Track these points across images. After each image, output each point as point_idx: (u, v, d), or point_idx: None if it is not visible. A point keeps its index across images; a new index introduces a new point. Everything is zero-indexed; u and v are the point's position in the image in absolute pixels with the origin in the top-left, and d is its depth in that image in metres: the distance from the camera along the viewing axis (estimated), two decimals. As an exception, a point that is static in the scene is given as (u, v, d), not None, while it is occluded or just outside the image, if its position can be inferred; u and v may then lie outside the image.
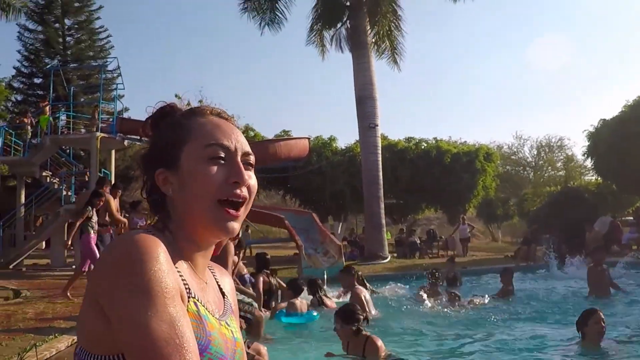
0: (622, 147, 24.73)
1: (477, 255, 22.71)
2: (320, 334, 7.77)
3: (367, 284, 11.83)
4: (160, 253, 1.07)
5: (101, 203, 10.44)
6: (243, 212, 1.23)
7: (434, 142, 29.74)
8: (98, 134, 18.17)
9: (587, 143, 29.25)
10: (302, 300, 9.11)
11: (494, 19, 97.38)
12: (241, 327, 6.35)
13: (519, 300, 11.15)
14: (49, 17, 33.62)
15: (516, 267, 15.41)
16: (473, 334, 8.08)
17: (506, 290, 11.38)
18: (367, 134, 20.34)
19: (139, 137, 16.51)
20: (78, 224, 10.03)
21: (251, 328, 6.93)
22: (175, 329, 1.01)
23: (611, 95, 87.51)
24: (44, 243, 21.26)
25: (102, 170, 19.24)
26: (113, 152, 20.43)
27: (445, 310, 9.88)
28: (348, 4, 21.40)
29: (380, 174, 20.28)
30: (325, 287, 11.60)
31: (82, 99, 29.91)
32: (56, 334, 6.74)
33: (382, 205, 20.32)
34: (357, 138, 22.70)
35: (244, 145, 1.25)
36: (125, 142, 19.77)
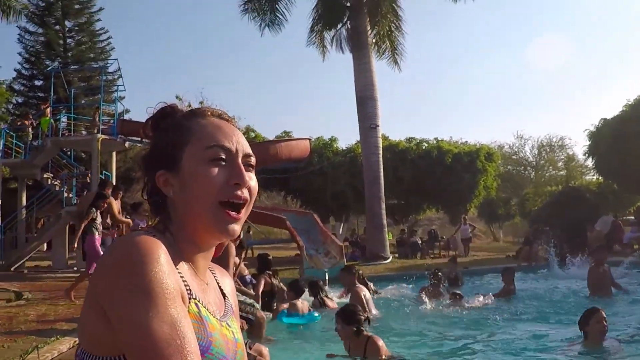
0: (623, 146, 24.69)
1: (479, 255, 22.70)
2: (322, 335, 7.77)
3: (371, 284, 11.86)
4: (161, 254, 1.07)
5: (105, 205, 10.45)
6: (244, 214, 1.23)
7: (435, 142, 29.75)
8: (99, 135, 18.19)
9: (588, 142, 29.24)
10: (304, 302, 9.11)
11: (493, 19, 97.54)
12: (243, 328, 6.36)
13: (521, 300, 11.15)
14: (49, 19, 33.62)
15: (518, 267, 15.41)
16: (475, 333, 8.07)
17: (508, 290, 11.37)
18: (368, 134, 20.35)
19: (139, 139, 16.52)
20: (83, 225, 10.04)
21: (253, 329, 6.93)
22: (177, 330, 1.02)
23: (611, 95, 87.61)
24: (45, 245, 21.27)
25: (103, 172, 19.25)
26: (114, 153, 20.46)
27: (447, 310, 9.88)
28: (348, 4, 21.41)
29: (382, 174, 20.29)
30: (326, 287, 11.61)
31: (82, 101, 29.92)
32: (58, 336, 6.74)
33: (384, 206, 20.32)
34: (358, 138, 22.72)
35: (244, 146, 1.25)
36: (126, 144, 19.81)
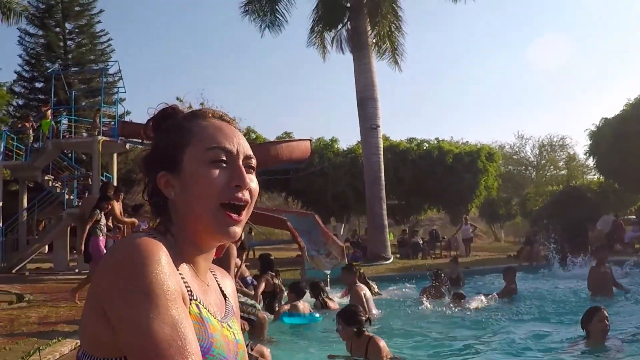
0: (624, 145, 24.66)
1: (480, 255, 22.70)
2: (324, 336, 7.77)
3: (374, 285, 11.87)
4: (162, 256, 1.07)
5: (109, 206, 10.46)
6: (245, 216, 1.23)
7: (435, 142, 29.72)
8: (100, 137, 18.21)
9: (588, 142, 29.21)
10: (305, 303, 9.11)
11: (494, 19, 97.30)
12: (244, 329, 6.36)
13: (522, 300, 11.15)
14: (49, 21, 33.65)
15: (519, 267, 15.40)
16: (476, 334, 8.07)
17: (509, 289, 11.36)
18: (368, 135, 20.34)
19: (140, 140, 16.52)
20: (87, 227, 10.04)
21: (254, 330, 6.94)
22: (178, 331, 1.02)
23: (611, 95, 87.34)
24: (46, 247, 21.29)
25: (104, 173, 19.27)
26: (115, 155, 20.46)
27: (449, 310, 9.87)
28: (348, 5, 21.40)
29: (383, 174, 20.27)
30: (328, 288, 11.62)
31: (83, 103, 29.94)
32: (59, 338, 6.75)
33: (385, 206, 20.30)
34: (359, 139, 22.71)
35: (245, 148, 1.25)
36: (127, 146, 19.80)
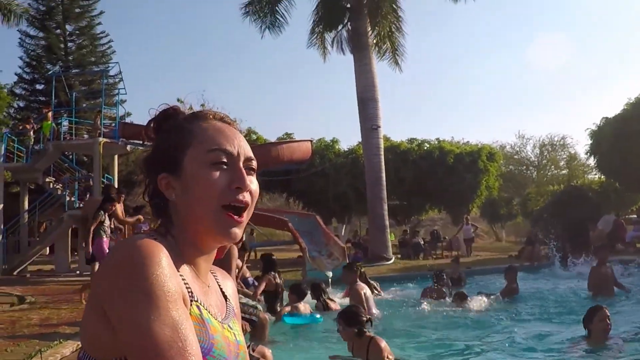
0: (625, 145, 24.65)
1: (481, 255, 22.71)
2: (326, 336, 7.77)
3: (377, 285, 11.87)
4: (162, 257, 1.07)
5: (113, 208, 10.48)
6: (245, 217, 1.23)
7: (436, 142, 29.71)
8: (100, 139, 18.20)
9: (589, 141, 29.19)
10: (306, 305, 9.10)
11: (494, 19, 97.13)
12: (246, 330, 6.35)
13: (524, 299, 11.15)
14: (50, 23, 33.68)
15: (520, 267, 15.39)
16: (478, 333, 8.07)
17: (511, 289, 11.35)
18: (369, 135, 20.34)
19: (141, 142, 16.54)
20: (92, 228, 10.05)
21: (256, 331, 6.94)
22: (178, 333, 1.02)
23: (611, 95, 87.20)
24: (48, 249, 21.29)
25: (105, 175, 19.28)
26: (116, 157, 20.47)
27: (451, 310, 9.87)
28: (349, 6, 21.40)
29: (383, 175, 20.26)
30: (330, 288, 11.61)
31: (84, 105, 29.90)
32: (61, 340, 6.75)
33: (386, 207, 20.30)
34: (360, 140, 22.71)
35: (246, 150, 1.26)
36: (128, 147, 19.82)
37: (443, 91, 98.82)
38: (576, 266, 15.36)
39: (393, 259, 20.10)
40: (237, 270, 8.70)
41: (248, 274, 10.92)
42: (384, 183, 20.25)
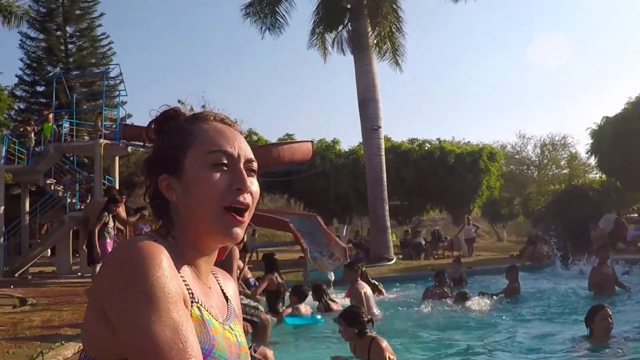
0: (626, 144, 24.64)
1: (483, 255, 22.69)
2: (327, 337, 7.77)
3: (379, 283, 11.85)
4: (163, 259, 1.08)
5: (117, 209, 10.48)
6: (247, 218, 1.23)
7: (437, 142, 29.69)
8: (101, 140, 18.21)
9: (590, 141, 29.18)
10: (307, 306, 9.10)
11: (494, 19, 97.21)
12: (247, 331, 6.35)
13: (525, 299, 11.14)
14: (50, 24, 33.74)
15: (521, 267, 15.38)
16: (480, 333, 8.06)
17: (512, 288, 11.34)
18: (370, 136, 20.33)
19: (142, 143, 16.53)
20: (96, 230, 10.06)
21: (257, 332, 6.94)
22: (179, 334, 1.02)
23: (612, 95, 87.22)
24: (49, 251, 21.30)
25: (106, 177, 19.28)
26: (117, 158, 20.49)
27: (452, 310, 9.86)
28: (349, 6, 21.40)
29: (384, 175, 20.26)
30: (331, 289, 11.61)
31: (84, 106, 29.94)
32: (62, 342, 6.75)
33: (387, 207, 20.29)
34: (361, 140, 22.70)
35: (246, 151, 1.26)
36: (129, 149, 19.82)
37: (443, 91, 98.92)
38: (577, 265, 15.34)
39: (394, 259, 20.08)
40: (238, 272, 8.72)
41: (250, 275, 10.92)
42: (385, 183, 20.24)
